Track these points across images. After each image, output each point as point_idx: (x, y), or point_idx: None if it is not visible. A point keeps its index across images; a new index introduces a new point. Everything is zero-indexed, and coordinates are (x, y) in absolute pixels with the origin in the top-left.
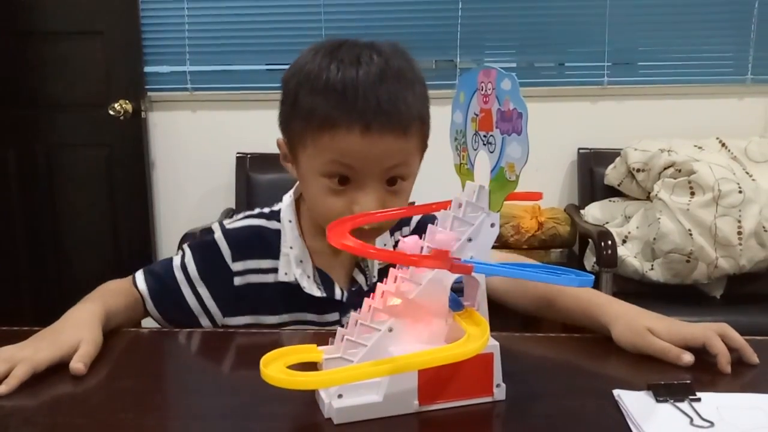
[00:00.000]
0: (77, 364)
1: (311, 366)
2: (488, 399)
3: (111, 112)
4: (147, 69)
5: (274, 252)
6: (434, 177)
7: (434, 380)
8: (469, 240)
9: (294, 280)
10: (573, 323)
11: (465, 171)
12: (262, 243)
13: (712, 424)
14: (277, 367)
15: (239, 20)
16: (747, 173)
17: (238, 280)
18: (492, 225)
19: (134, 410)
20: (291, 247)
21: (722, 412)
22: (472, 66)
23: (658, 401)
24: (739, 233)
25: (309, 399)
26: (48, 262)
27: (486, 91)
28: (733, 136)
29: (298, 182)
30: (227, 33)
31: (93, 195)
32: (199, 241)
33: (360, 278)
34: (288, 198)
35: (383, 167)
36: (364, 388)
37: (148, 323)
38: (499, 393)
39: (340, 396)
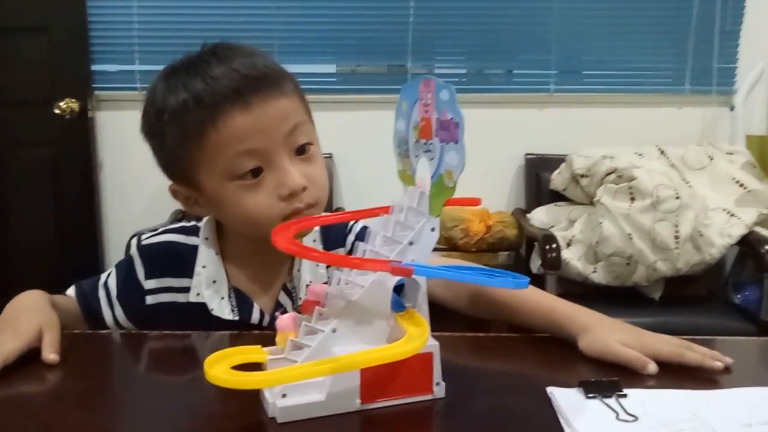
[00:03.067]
0: (50, 355)
1: (256, 367)
2: (428, 397)
3: (56, 111)
4: (94, 67)
5: (188, 270)
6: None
7: (376, 379)
8: (411, 244)
9: (205, 301)
10: (532, 328)
11: (407, 177)
12: (177, 260)
13: (636, 418)
14: (221, 368)
15: (190, 19)
16: (684, 180)
17: (150, 299)
18: (432, 229)
19: (79, 411)
20: (204, 266)
21: (646, 407)
22: (422, 71)
23: (587, 397)
24: (676, 237)
25: (254, 399)
26: None
27: (426, 100)
28: (672, 144)
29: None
30: (178, 32)
31: (37, 196)
32: (124, 258)
33: (286, 302)
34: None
35: (283, 135)
36: (307, 387)
37: None
38: (439, 391)
39: (284, 396)
